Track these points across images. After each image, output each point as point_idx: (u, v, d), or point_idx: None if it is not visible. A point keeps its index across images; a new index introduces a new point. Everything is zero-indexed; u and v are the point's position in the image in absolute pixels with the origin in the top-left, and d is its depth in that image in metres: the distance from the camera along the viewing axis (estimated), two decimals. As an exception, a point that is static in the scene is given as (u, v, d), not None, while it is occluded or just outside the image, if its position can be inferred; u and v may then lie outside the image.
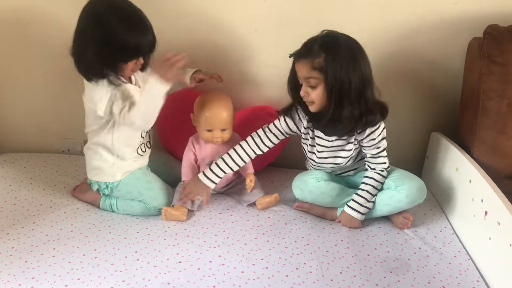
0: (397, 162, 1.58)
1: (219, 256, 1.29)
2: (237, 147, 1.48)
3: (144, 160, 1.56)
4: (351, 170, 1.56)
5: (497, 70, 1.43)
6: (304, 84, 1.34)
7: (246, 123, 1.64)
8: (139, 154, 1.52)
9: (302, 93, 1.35)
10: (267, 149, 1.50)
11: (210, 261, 1.26)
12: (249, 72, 1.74)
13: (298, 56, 1.33)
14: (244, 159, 1.48)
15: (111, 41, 1.26)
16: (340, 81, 1.27)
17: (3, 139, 1.90)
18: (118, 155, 1.47)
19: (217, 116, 1.46)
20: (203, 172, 1.47)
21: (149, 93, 1.31)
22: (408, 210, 1.48)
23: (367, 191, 1.44)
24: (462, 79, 1.62)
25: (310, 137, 1.48)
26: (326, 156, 1.47)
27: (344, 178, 1.59)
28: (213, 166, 1.46)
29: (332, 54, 1.26)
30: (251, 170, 1.57)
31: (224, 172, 1.47)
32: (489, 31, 1.46)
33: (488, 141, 1.46)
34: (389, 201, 1.44)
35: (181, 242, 1.35)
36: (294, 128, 1.48)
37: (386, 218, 1.51)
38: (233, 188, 1.61)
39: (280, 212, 1.53)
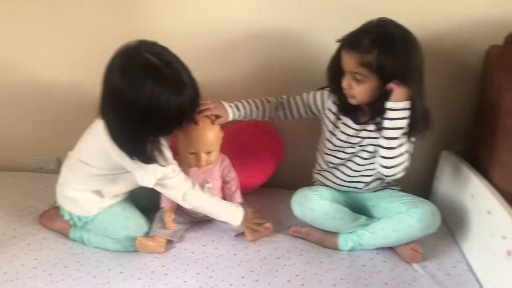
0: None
1: (200, 301, 1.12)
2: (263, 100, 1.41)
3: (125, 195, 1.39)
4: (360, 183, 1.40)
5: (520, 85, 1.25)
6: (348, 76, 1.23)
7: (234, 142, 1.46)
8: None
9: (344, 84, 1.24)
10: (283, 117, 1.44)
11: (190, 308, 1.10)
12: (240, 81, 1.57)
13: (346, 46, 1.21)
14: (263, 109, 1.40)
15: (154, 113, 1.08)
16: (393, 79, 1.17)
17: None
18: (99, 195, 1.31)
19: (201, 137, 1.28)
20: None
21: (218, 213, 1.35)
22: (416, 241, 1.31)
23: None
24: (477, 91, 1.45)
25: (331, 122, 1.37)
26: (346, 145, 1.36)
27: (351, 195, 1.44)
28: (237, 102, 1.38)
29: (385, 52, 1.15)
30: (239, 200, 1.41)
31: (245, 110, 1.37)
32: (511, 39, 1.28)
33: (509, 166, 1.28)
34: (398, 226, 1.28)
35: (158, 283, 1.19)
36: (319, 104, 1.39)
37: (392, 251, 1.34)
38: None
39: (272, 244, 1.36)
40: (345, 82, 1.23)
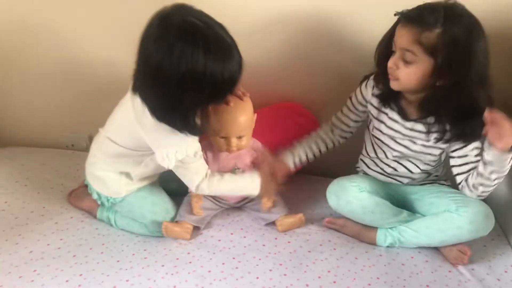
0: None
1: (224, 293, 1.07)
2: (314, 133, 1.38)
3: (154, 178, 1.35)
4: (407, 178, 1.29)
5: None
6: (397, 54, 1.09)
7: (268, 125, 1.37)
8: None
9: (390, 63, 1.10)
10: (342, 134, 1.37)
11: (212, 300, 1.04)
12: (272, 60, 1.46)
13: (405, 18, 1.07)
14: (325, 143, 1.37)
15: (205, 82, 0.97)
16: (450, 69, 1.03)
17: (4, 131, 1.76)
18: (128, 177, 1.27)
19: (233, 120, 1.20)
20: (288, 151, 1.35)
21: (238, 189, 1.27)
22: (465, 242, 1.18)
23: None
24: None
25: (375, 117, 1.26)
26: (391, 143, 1.25)
27: (393, 186, 1.32)
28: (297, 147, 1.35)
29: (450, 33, 1.01)
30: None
31: (306, 156, 1.34)
32: None
33: None
34: (445, 226, 1.17)
35: (181, 271, 1.14)
36: (360, 98, 1.29)
37: (435, 250, 1.23)
38: (250, 202, 1.36)
39: (304, 236, 1.28)
40: (392, 61, 1.10)
